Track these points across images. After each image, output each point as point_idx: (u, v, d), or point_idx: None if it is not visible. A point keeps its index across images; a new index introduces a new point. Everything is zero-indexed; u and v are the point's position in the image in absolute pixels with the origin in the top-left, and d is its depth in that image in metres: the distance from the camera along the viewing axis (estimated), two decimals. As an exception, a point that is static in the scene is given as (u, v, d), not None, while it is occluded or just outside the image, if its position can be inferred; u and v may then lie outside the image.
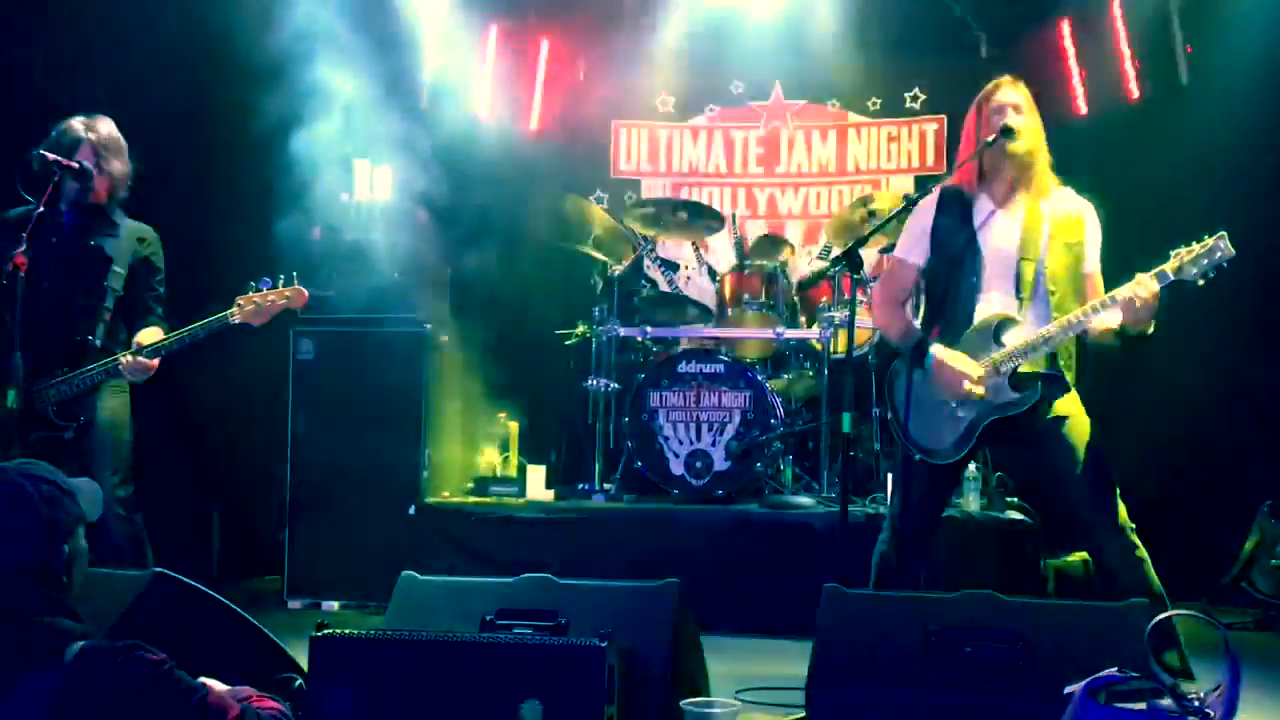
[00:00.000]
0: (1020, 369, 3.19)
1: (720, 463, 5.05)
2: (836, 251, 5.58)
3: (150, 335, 3.95)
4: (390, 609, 2.51)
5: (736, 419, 5.08)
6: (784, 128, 6.89)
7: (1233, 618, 4.97)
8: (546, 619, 2.26)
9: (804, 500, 4.94)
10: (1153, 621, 1.91)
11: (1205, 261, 2.99)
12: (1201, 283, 2.99)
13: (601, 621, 2.19)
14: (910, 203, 3.50)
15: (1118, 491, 3.24)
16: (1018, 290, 3.22)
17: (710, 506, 4.95)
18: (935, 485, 3.37)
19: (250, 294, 3.92)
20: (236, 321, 3.90)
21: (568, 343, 5.67)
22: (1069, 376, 3.28)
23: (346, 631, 2.10)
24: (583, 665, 1.88)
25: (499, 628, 2.25)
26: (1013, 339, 3.20)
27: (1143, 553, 3.22)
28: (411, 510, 5.04)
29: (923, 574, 3.39)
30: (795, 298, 5.63)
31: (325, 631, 2.10)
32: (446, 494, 5.30)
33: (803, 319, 5.61)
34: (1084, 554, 4.94)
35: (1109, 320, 3.13)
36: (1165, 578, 5.70)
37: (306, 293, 3.96)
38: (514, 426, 5.68)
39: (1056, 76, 6.25)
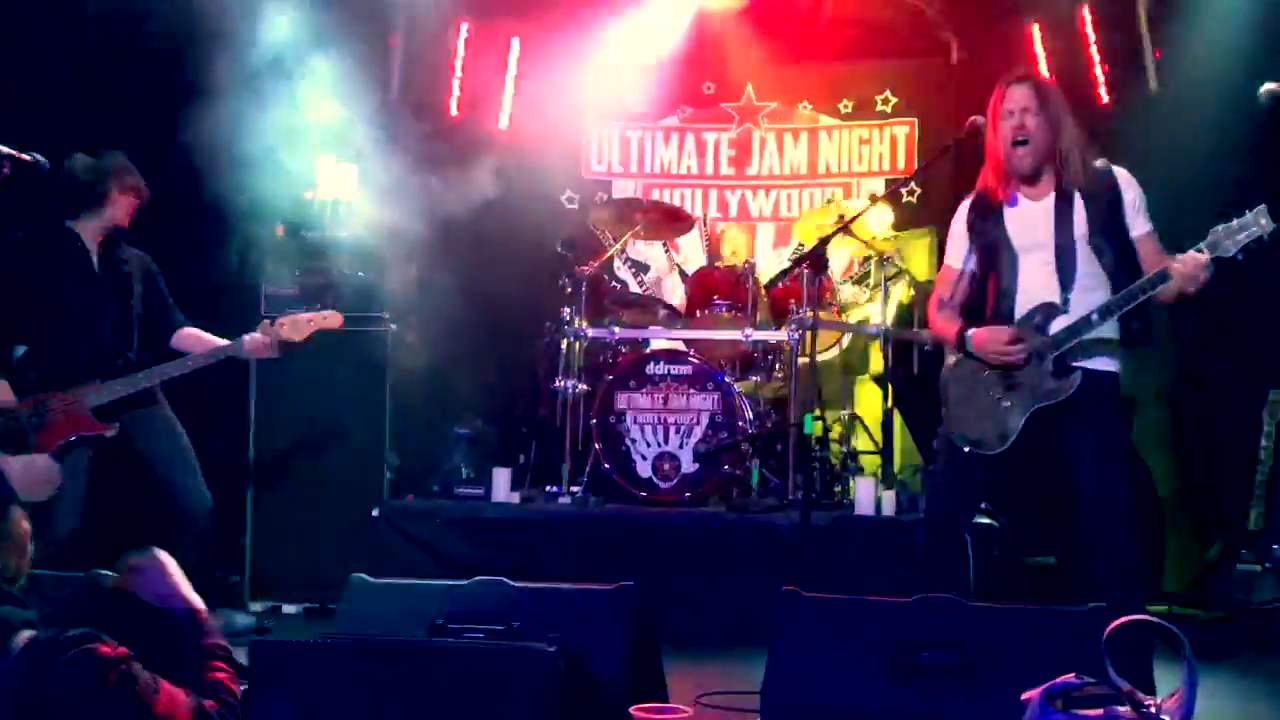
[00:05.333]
0: (1066, 355, 3.16)
1: (688, 465, 5.02)
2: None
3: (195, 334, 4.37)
4: (340, 612, 2.46)
5: (704, 421, 5.04)
6: (755, 129, 6.87)
7: (1201, 619, 4.98)
8: (498, 623, 2.22)
9: (771, 503, 4.91)
10: (1111, 626, 1.88)
11: (1241, 236, 2.95)
12: (1241, 258, 2.97)
13: (556, 626, 2.15)
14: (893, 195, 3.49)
15: (1126, 484, 3.21)
16: (1060, 278, 3.20)
17: (677, 509, 4.91)
18: (976, 475, 3.32)
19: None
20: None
21: (536, 344, 5.61)
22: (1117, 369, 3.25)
23: (288, 636, 2.04)
24: (530, 671, 1.84)
25: (449, 632, 2.20)
26: (1054, 326, 3.19)
27: (1131, 557, 3.19)
28: (375, 512, 4.96)
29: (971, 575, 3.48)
30: (765, 299, 5.60)
31: (266, 636, 2.04)
32: (411, 496, 5.24)
33: (773, 321, 5.58)
34: (1048, 557, 4.95)
35: (1160, 294, 3.08)
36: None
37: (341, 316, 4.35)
38: (481, 428, 5.62)
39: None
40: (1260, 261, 5.35)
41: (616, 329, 5.38)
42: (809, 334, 5.14)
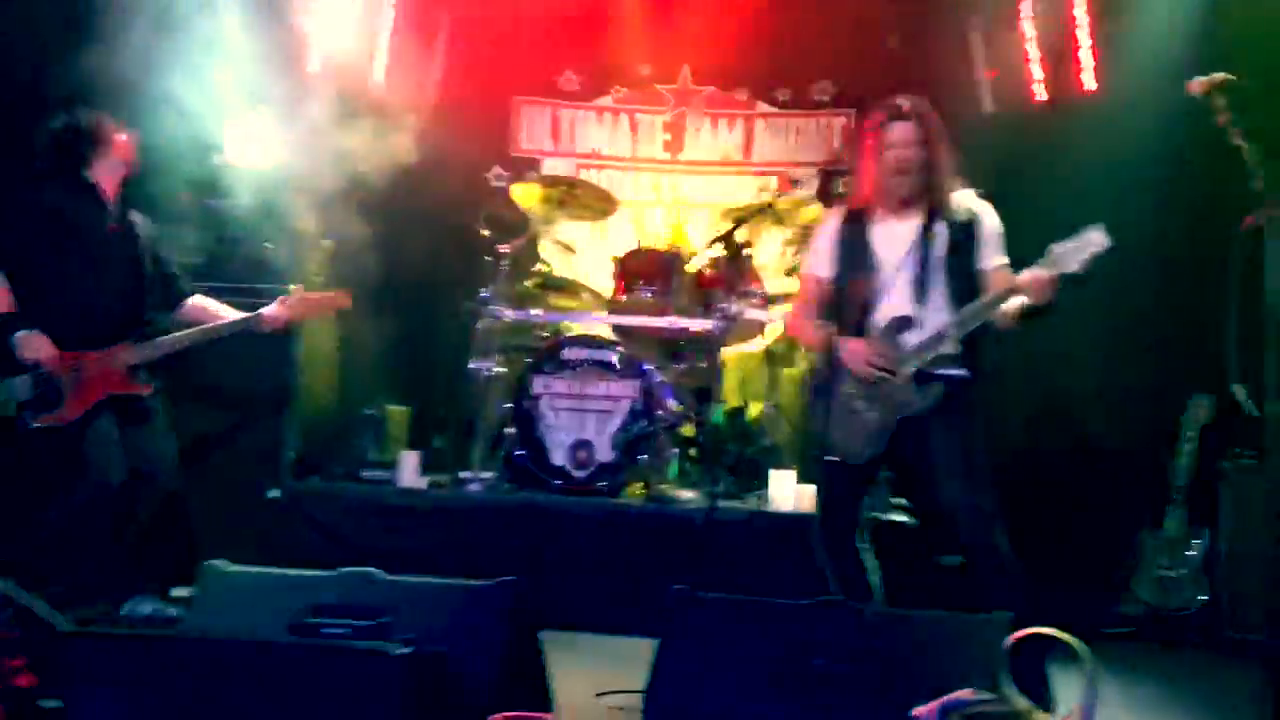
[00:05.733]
0: (922, 368, 3.30)
1: (605, 454, 4.85)
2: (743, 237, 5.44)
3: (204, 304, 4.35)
4: (195, 602, 2.27)
5: (624, 409, 4.88)
6: (691, 114, 6.72)
7: (1114, 627, 4.94)
8: (366, 618, 2.05)
9: (688, 495, 4.78)
10: (1010, 638, 1.76)
11: (1082, 254, 3.07)
12: (1081, 273, 3.09)
13: (428, 622, 1.98)
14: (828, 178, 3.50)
15: (988, 487, 3.30)
16: (917, 295, 3.35)
17: (591, 499, 4.75)
18: (851, 486, 3.46)
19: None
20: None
21: (453, 324, 5.41)
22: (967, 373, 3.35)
23: (107, 630, 1.85)
24: (377, 674, 1.67)
25: (310, 627, 2.03)
26: (910, 339, 3.32)
27: (1005, 552, 3.23)
28: (274, 494, 4.74)
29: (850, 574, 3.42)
30: (692, 287, 5.46)
31: (89, 629, 1.85)
32: (316, 478, 5.02)
33: (699, 309, 5.43)
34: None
35: (1009, 308, 3.26)
36: (1050, 586, 5.77)
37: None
38: (394, 409, 5.41)
39: (964, 75, 6.19)
40: (1177, 268, 5.43)
41: (536, 311, 5.20)
42: (733, 323, 5.10)
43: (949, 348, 3.31)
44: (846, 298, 3.44)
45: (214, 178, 5.05)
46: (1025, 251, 3.39)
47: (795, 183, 6.09)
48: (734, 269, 5.23)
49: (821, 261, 3.57)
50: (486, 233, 5.45)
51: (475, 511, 4.66)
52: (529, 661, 2.22)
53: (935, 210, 3.37)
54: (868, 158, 3.45)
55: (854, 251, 3.45)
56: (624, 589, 4.38)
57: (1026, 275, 3.14)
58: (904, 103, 3.43)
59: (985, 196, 3.54)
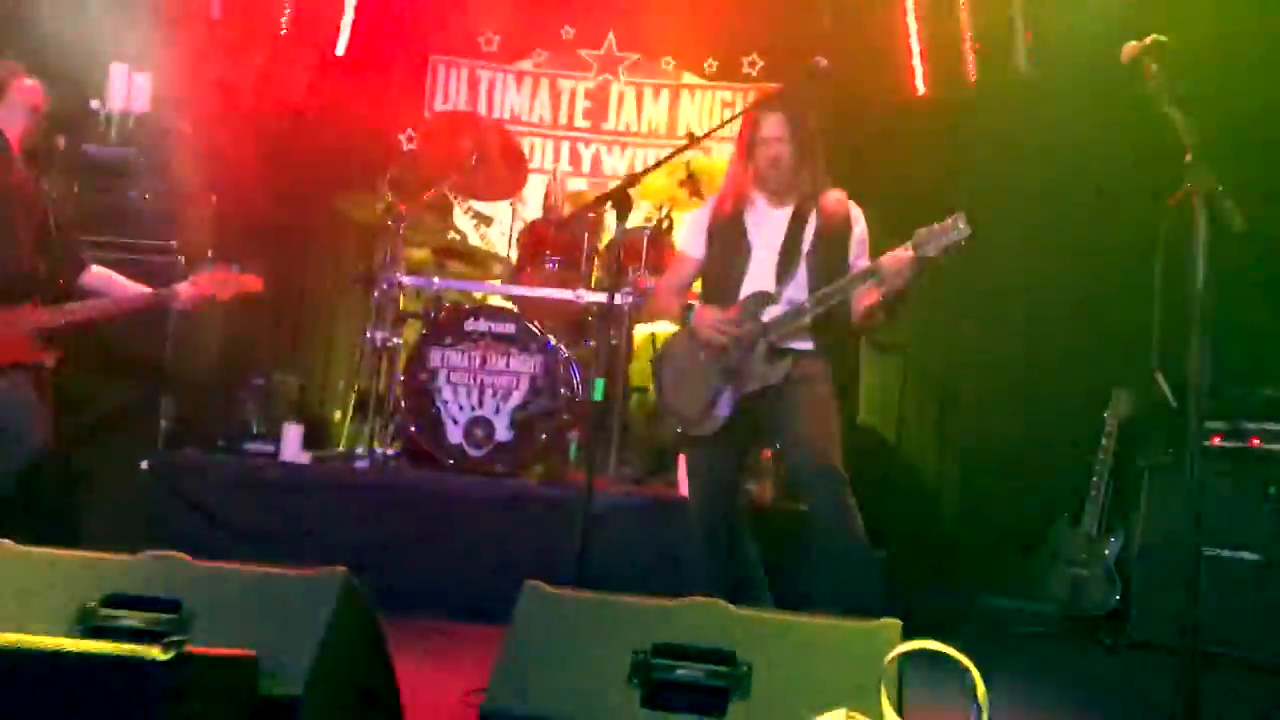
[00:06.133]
0: (775, 342, 3.33)
1: (502, 432, 4.58)
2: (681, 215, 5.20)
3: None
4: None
5: (525, 386, 4.61)
6: (615, 81, 6.45)
7: (1024, 625, 4.81)
8: (165, 609, 1.77)
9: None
10: (893, 654, 1.54)
11: (943, 240, 3.07)
12: (941, 259, 3.10)
13: (234, 613, 1.70)
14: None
15: (838, 455, 3.28)
16: (779, 275, 3.40)
17: (486, 479, 4.47)
18: (714, 462, 3.44)
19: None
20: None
21: (347, 289, 5.09)
22: (822, 345, 3.40)
23: None
24: (135, 681, 1.40)
25: (99, 617, 1.74)
26: (769, 315, 3.36)
27: (853, 522, 3.21)
28: (144, 465, 4.40)
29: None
30: (604, 259, 5.20)
31: None
32: (193, 449, 4.68)
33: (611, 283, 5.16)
34: (880, 551, 4.69)
35: (866, 297, 3.29)
36: (965, 580, 5.67)
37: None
38: (282, 379, 5.08)
39: (897, 54, 6.01)
40: (1108, 255, 5.32)
41: (436, 279, 4.90)
42: (647, 299, 4.84)
43: (804, 324, 3.34)
44: (714, 277, 3.49)
45: (91, 125, 4.68)
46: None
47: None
48: (651, 242, 4.98)
49: (694, 241, 3.60)
50: (390, 196, 5.14)
51: (360, 490, 4.36)
52: (359, 661, 1.95)
53: (807, 202, 3.43)
54: (742, 147, 3.50)
55: (726, 234, 3.49)
56: (520, 576, 4.08)
57: (886, 257, 3.16)
58: (775, 98, 3.48)
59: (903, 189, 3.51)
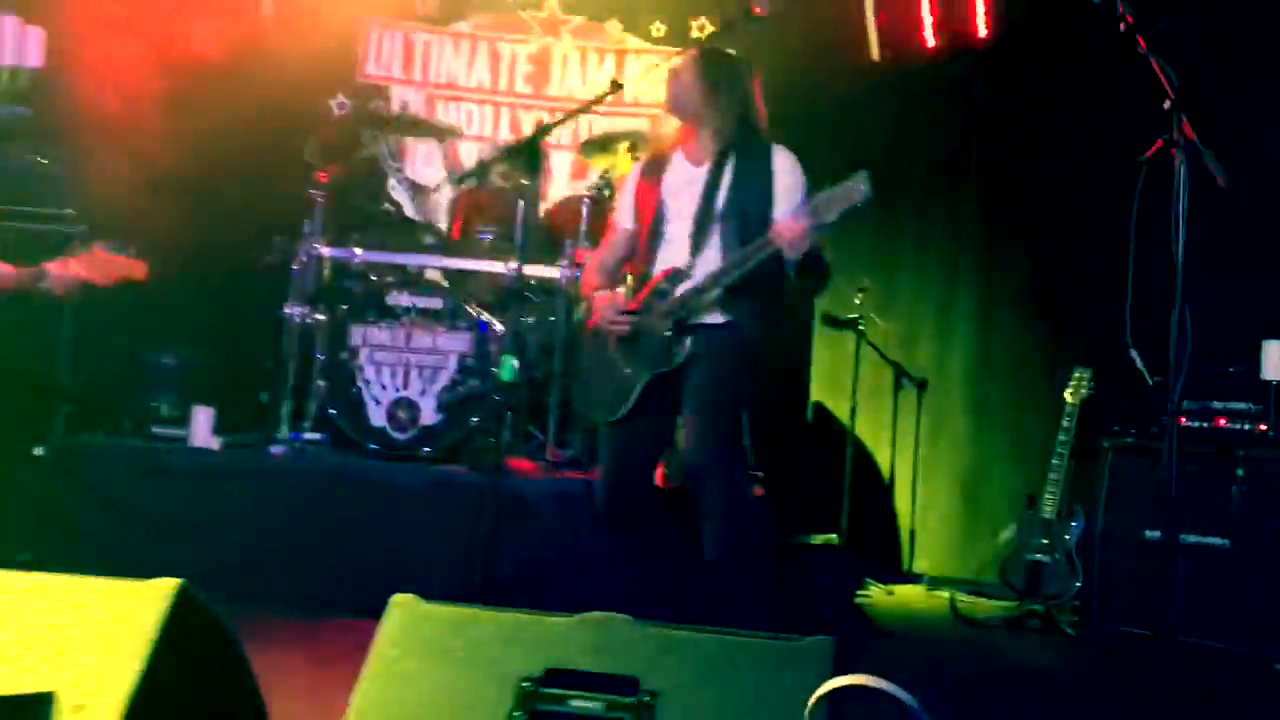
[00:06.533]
0: (682, 321, 3.04)
1: (429, 415, 4.28)
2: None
3: None
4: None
5: (453, 365, 4.31)
6: (557, 44, 6.13)
7: (983, 613, 4.61)
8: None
9: (522, 464, 4.24)
10: (822, 690, 1.28)
11: (844, 205, 2.81)
12: (833, 219, 2.83)
13: (41, 633, 1.40)
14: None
15: (729, 438, 3.01)
16: (693, 245, 3.09)
17: (411, 465, 4.17)
18: (621, 446, 3.16)
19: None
20: None
21: (264, 260, 4.75)
22: (733, 318, 3.06)
23: None
24: None
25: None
26: (681, 291, 3.07)
27: (732, 518, 2.92)
28: (40, 452, 4.07)
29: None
30: (543, 229, 4.91)
31: None
32: (96, 434, 4.35)
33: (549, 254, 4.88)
34: (829, 538, 4.47)
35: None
36: (919, 568, 5.46)
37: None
38: (195, 358, 4.73)
39: (852, 20, 5.75)
40: (1069, 225, 5.12)
41: (359, 250, 4.58)
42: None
43: (711, 299, 3.05)
44: (640, 251, 3.21)
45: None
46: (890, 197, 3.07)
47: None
48: (592, 210, 4.69)
49: (623, 209, 3.34)
50: (317, 162, 4.81)
51: (271, 477, 4.05)
52: (203, 683, 1.65)
53: (722, 157, 3.11)
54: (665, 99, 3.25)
55: (646, 199, 3.21)
56: (447, 571, 3.81)
57: (781, 226, 2.90)
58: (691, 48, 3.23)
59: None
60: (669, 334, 3.00)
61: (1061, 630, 4.40)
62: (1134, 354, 2.27)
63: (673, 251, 3.11)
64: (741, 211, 3.03)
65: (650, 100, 6.09)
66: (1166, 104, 2.00)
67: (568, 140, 6.11)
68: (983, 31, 5.42)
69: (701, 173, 3.12)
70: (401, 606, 1.65)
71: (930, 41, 5.55)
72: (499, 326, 4.42)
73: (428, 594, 3.54)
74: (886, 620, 4.39)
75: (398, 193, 5.54)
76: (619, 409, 3.07)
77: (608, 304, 3.17)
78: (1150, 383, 2.36)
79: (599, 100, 3.21)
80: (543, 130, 2.84)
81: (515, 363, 2.59)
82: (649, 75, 5.99)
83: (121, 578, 1.55)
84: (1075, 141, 4.92)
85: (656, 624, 1.52)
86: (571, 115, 3.24)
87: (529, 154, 2.61)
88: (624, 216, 3.35)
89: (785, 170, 3.12)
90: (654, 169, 3.24)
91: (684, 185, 3.15)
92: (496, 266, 4.55)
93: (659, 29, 6.11)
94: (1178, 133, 1.96)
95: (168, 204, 4.70)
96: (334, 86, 5.98)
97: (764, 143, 3.13)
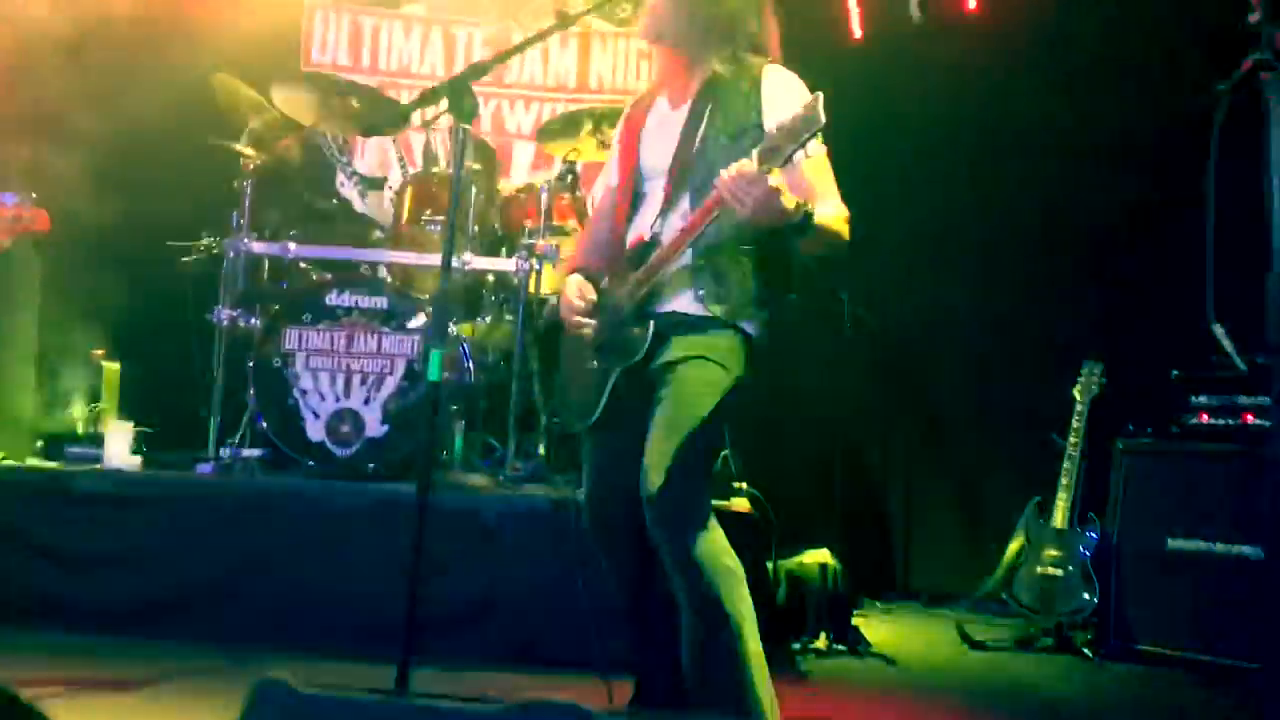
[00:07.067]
0: (643, 305, 2.40)
1: (374, 427, 3.83)
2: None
3: None
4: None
5: (400, 371, 3.87)
6: (516, 28, 5.71)
7: (990, 634, 4.21)
8: None
9: (478, 481, 3.81)
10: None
11: (801, 133, 2.08)
12: (804, 155, 2.14)
13: None
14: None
15: (690, 471, 2.28)
16: (661, 209, 2.44)
17: (354, 484, 3.71)
18: (601, 456, 2.54)
19: None
20: None
21: (186, 259, 4.30)
22: (720, 310, 2.37)
23: None
24: None
25: None
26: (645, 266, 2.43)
27: (701, 569, 2.28)
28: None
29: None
30: (497, 219, 4.49)
31: None
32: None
33: (505, 246, 4.46)
34: (821, 554, 4.06)
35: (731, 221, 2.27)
36: (918, 585, 5.08)
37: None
38: (112, 369, 4.27)
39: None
40: (1075, 208, 4.79)
41: (293, 245, 4.13)
42: (547, 265, 4.13)
43: (682, 277, 2.40)
44: (618, 213, 2.56)
45: None
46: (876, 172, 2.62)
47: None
48: (552, 199, 4.26)
49: (609, 165, 2.74)
50: (249, 151, 4.36)
51: (196, 501, 3.58)
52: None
53: (704, 90, 2.46)
54: None
55: (625, 155, 2.60)
56: (385, 603, 3.34)
57: (721, 175, 2.18)
58: None
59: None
60: (629, 319, 2.40)
61: (1077, 651, 4.00)
62: (1219, 331, 1.81)
63: (642, 219, 2.50)
64: (725, 153, 2.30)
65: (615, 85, 5.71)
66: (1253, 16, 1.58)
67: (528, 129, 5.70)
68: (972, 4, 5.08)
69: (680, 115, 2.50)
70: (271, 690, 1.21)
71: (916, 16, 5.20)
72: (450, 327, 3.99)
73: (372, 631, 3.12)
74: (887, 645, 3.99)
75: (346, 189, 5.11)
76: (591, 413, 2.49)
77: (568, 300, 2.54)
78: (1243, 368, 1.97)
79: (546, 34, 2.73)
80: (474, 69, 2.38)
81: (443, 354, 2.11)
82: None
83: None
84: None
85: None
86: (515, 51, 2.74)
87: (453, 95, 2.14)
88: (609, 171, 2.75)
89: (775, 95, 2.40)
90: (638, 113, 2.63)
91: (660, 131, 2.54)
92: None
93: (625, 10, 5.71)
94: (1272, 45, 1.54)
95: (89, 204, 4.25)
96: (275, 73, 5.53)
97: (752, 68, 2.47)
